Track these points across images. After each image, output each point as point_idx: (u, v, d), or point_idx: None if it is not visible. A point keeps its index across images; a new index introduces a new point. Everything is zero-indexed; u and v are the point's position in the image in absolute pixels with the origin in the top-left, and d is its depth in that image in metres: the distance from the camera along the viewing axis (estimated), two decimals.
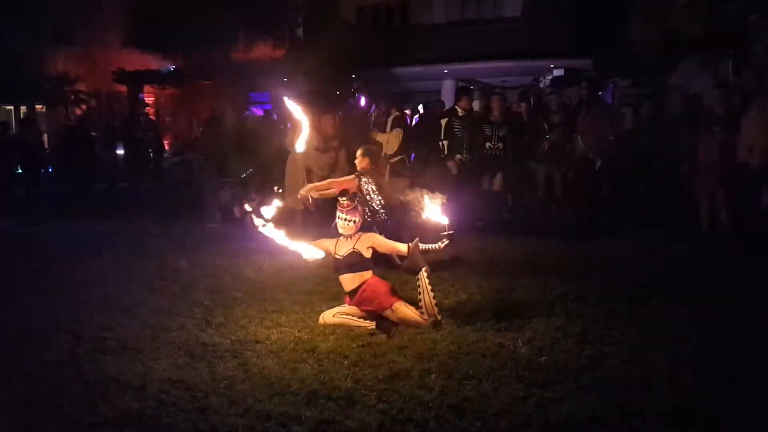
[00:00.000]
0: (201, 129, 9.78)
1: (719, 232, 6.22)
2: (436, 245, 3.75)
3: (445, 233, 3.71)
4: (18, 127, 14.48)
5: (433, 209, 3.74)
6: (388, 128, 7.54)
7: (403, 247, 3.83)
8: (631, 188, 7.05)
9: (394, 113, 7.69)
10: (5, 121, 11.99)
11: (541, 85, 12.93)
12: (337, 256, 3.85)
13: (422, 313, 3.67)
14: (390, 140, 7.37)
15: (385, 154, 7.24)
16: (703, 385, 2.88)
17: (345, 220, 3.84)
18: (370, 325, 3.65)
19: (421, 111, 9.51)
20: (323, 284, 4.60)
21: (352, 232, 3.86)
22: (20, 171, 10.24)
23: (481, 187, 7.45)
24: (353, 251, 3.80)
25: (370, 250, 3.84)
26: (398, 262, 4.56)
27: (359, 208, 3.98)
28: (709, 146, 6.30)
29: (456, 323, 3.72)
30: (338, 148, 7.39)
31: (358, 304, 3.79)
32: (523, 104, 8.44)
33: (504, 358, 3.18)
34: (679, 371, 3.03)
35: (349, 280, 3.83)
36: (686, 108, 7.42)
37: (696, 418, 2.58)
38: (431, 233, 3.82)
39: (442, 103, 9.21)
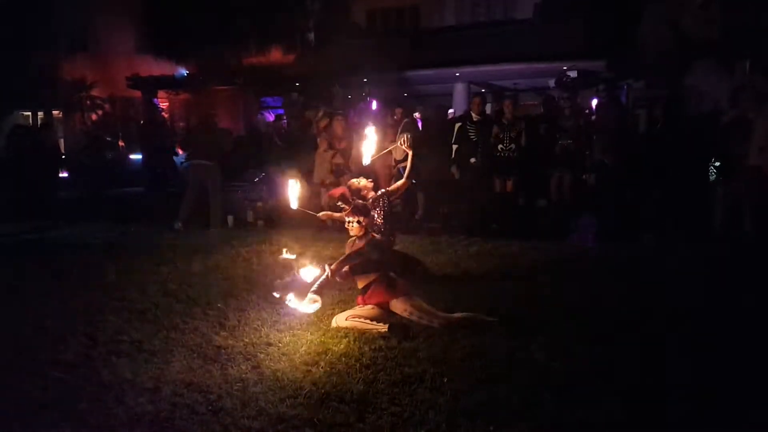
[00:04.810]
0: (188, 131, 9.80)
1: (737, 235, 6.13)
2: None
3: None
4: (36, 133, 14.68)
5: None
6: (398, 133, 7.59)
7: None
8: (646, 191, 6.99)
9: (404, 120, 7.75)
10: (26, 126, 12.09)
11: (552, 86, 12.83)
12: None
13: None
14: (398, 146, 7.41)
15: (394, 159, 7.30)
16: (720, 392, 2.84)
17: (349, 222, 4.06)
18: (383, 328, 3.65)
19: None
20: (336, 288, 4.61)
21: (361, 233, 4.06)
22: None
23: (494, 191, 7.44)
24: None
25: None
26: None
27: (363, 209, 4.13)
28: (736, 149, 6.22)
29: (469, 327, 3.70)
30: (346, 149, 7.47)
31: (368, 299, 3.86)
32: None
33: (517, 363, 3.17)
34: (695, 378, 2.98)
35: (362, 278, 3.93)
36: (705, 110, 7.34)
37: (711, 425, 2.55)
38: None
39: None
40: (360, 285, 3.94)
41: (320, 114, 8.06)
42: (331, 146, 7.55)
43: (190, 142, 8.29)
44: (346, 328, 3.70)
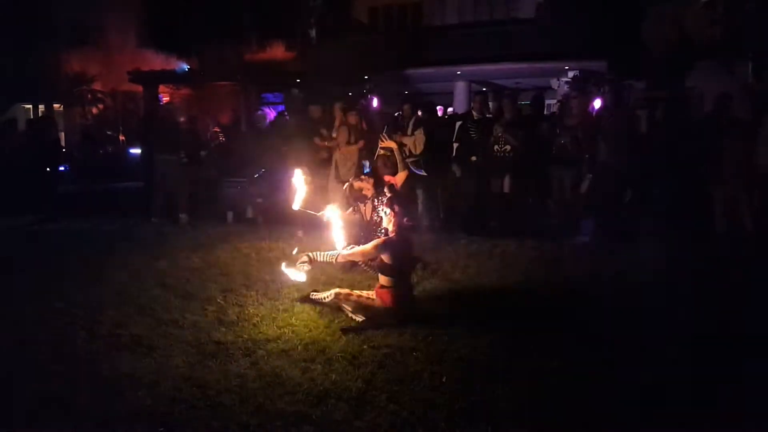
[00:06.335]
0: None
1: (737, 236, 6.12)
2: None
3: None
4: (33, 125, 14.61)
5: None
6: (409, 131, 7.56)
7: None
8: (646, 191, 6.97)
9: (414, 117, 7.73)
10: (31, 119, 12.03)
11: (556, 87, 12.84)
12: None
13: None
14: (416, 143, 7.40)
15: (408, 152, 7.27)
16: (720, 391, 2.84)
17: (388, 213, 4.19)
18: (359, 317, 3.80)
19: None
20: (335, 285, 4.60)
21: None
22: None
23: (491, 190, 7.42)
24: None
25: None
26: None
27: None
28: (733, 151, 6.23)
29: (468, 326, 3.71)
30: (358, 144, 7.44)
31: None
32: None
33: (516, 362, 3.17)
34: (694, 374, 2.99)
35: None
36: (706, 111, 7.34)
37: (707, 420, 2.55)
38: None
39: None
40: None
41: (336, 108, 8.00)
42: (350, 141, 7.49)
43: (155, 136, 8.36)
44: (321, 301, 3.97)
